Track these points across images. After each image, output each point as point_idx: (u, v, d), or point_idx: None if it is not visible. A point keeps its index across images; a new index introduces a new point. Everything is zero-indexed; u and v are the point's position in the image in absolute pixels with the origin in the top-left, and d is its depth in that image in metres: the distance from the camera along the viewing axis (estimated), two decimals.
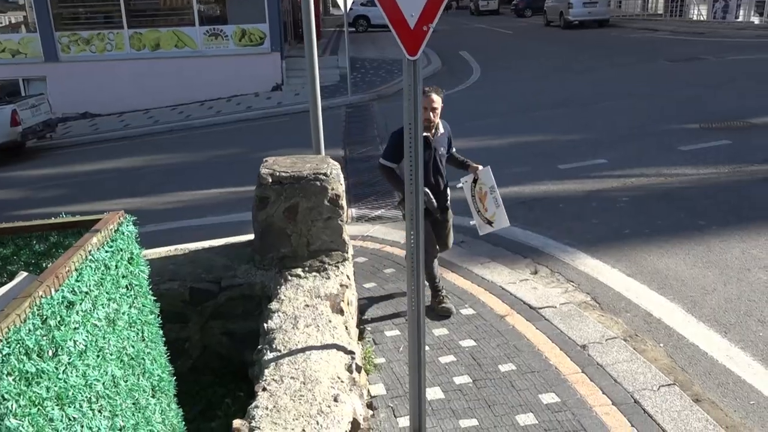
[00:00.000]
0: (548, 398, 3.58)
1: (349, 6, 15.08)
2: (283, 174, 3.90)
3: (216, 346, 4.09)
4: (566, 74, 15.61)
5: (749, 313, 4.36)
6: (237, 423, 2.58)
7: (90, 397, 2.05)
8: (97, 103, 16.62)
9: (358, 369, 3.13)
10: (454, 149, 4.70)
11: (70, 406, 1.92)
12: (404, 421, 3.49)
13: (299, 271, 3.90)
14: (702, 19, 26.51)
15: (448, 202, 4.72)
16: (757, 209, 6.07)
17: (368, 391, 3.74)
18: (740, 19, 24.34)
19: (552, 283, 5.06)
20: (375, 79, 17.13)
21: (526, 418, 3.43)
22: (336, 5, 28.61)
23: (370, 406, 3.61)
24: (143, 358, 2.52)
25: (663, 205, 6.42)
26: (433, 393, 3.71)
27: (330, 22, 34.83)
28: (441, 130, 4.48)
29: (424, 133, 3.85)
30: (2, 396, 1.62)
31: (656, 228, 5.91)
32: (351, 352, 3.13)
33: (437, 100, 4.25)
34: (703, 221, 5.92)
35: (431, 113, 4.21)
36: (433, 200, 4.39)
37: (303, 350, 3.08)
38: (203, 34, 16.91)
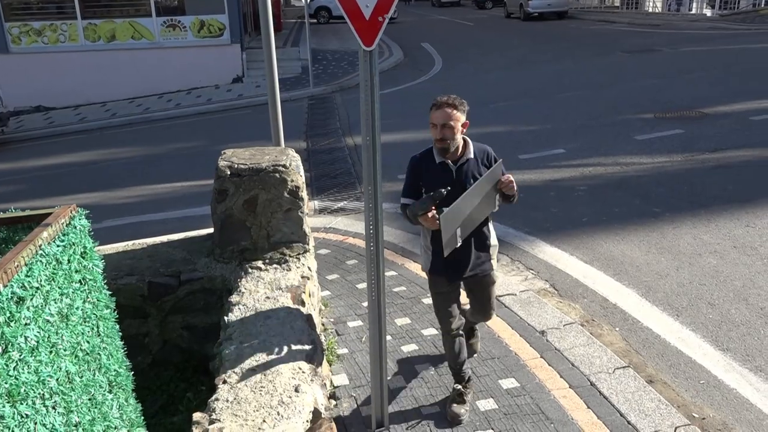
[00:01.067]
0: (508, 383, 3.65)
1: None
2: (242, 166, 3.87)
3: (177, 340, 4.05)
4: (526, 65, 15.81)
5: (700, 297, 4.51)
6: (197, 416, 2.57)
7: (43, 394, 2.02)
8: (51, 96, 16.14)
9: (320, 360, 3.13)
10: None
11: (22, 403, 1.88)
12: (367, 410, 3.52)
13: (260, 263, 3.88)
14: (657, 11, 27.13)
15: (483, 265, 3.40)
16: (707, 197, 6.27)
17: (331, 381, 3.75)
18: (693, 11, 25.01)
19: (512, 272, 5.14)
20: (337, 71, 17.06)
21: (486, 404, 3.49)
22: None
23: (333, 396, 3.63)
24: (99, 354, 2.48)
25: (619, 194, 6.57)
26: (396, 381, 3.74)
27: (291, 14, 34.52)
28: (470, 155, 3.24)
29: (440, 159, 3.22)
30: None
31: (613, 216, 6.05)
32: (312, 343, 3.13)
33: (453, 115, 3.10)
34: (658, 208, 6.08)
35: (444, 130, 3.11)
36: (445, 251, 3.06)
37: (264, 342, 3.08)
38: (160, 25, 16.56)
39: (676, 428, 3.22)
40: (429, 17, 34.49)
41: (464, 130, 3.23)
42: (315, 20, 29.70)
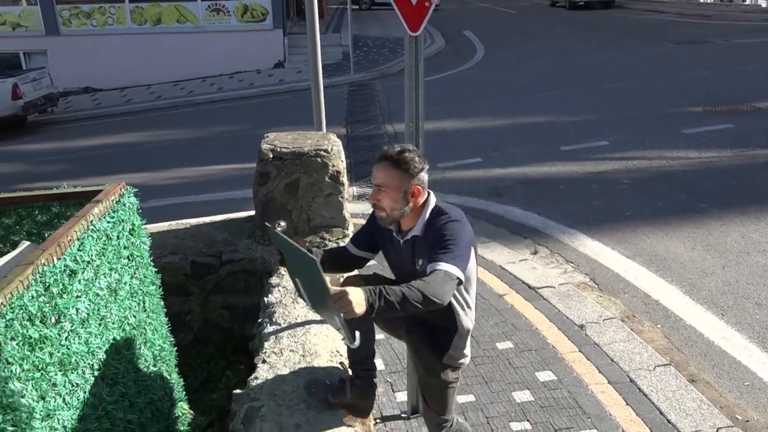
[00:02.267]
0: (545, 376, 3.62)
1: None
2: (284, 150, 3.90)
3: (217, 320, 4.13)
4: (571, 55, 15.50)
5: (747, 296, 4.38)
6: (237, 394, 2.61)
7: (92, 364, 2.08)
8: (98, 77, 16.53)
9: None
10: (437, 265, 2.17)
11: (72, 372, 1.95)
12: (402, 396, 3.54)
13: None
14: (709, 1, 26.25)
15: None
16: (757, 193, 6.06)
17: None
18: (747, 2, 24.10)
19: (551, 264, 5.08)
20: (378, 58, 17.02)
21: (522, 395, 3.47)
22: None
23: None
24: (144, 328, 2.55)
25: (664, 188, 6.41)
26: None
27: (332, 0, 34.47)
28: (417, 232, 2.37)
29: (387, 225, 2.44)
30: (6, 360, 1.64)
31: (657, 210, 5.91)
32: None
33: (391, 176, 2.30)
34: (704, 204, 5.92)
35: (377, 194, 2.35)
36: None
37: (302, 324, 3.11)
38: (205, 9, 16.76)
39: (718, 429, 3.14)
40: (471, 5, 34.06)
41: (417, 200, 2.35)
42: (357, 6, 29.63)
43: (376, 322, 2.56)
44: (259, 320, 3.29)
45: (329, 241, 3.95)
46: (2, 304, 1.67)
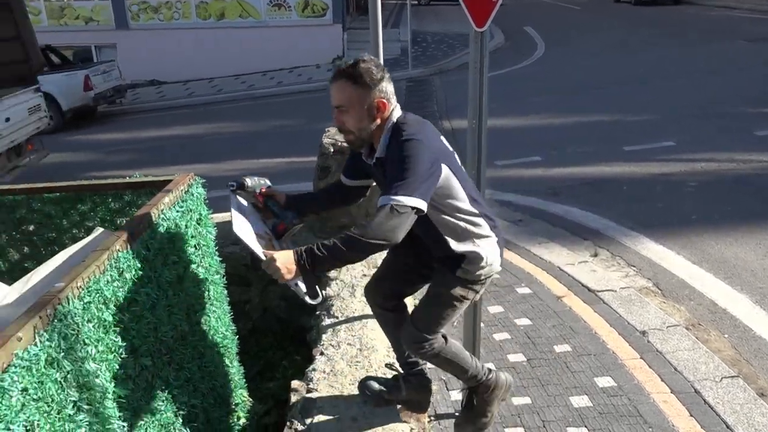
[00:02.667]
0: (604, 382, 3.53)
1: None
2: (345, 144, 3.92)
3: (275, 310, 4.20)
4: (637, 51, 15.03)
5: None
6: (296, 383, 2.65)
7: (160, 349, 2.15)
8: (164, 70, 17.05)
9: None
10: (387, 198, 1.97)
11: (142, 356, 2.02)
12: (456, 395, 3.51)
13: None
14: None
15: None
16: None
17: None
18: None
19: (612, 267, 4.94)
20: (436, 53, 16.93)
21: (580, 400, 3.39)
22: None
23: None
24: (209, 316, 2.61)
25: (734, 192, 6.15)
26: None
27: None
28: (380, 153, 2.19)
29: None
30: (83, 341, 1.71)
31: (725, 215, 5.67)
32: None
33: (348, 92, 2.14)
34: None
35: (338, 116, 2.21)
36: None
37: (360, 318, 3.13)
38: (267, 4, 17.03)
39: None
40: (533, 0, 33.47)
41: (384, 114, 2.15)
42: (416, 1, 29.55)
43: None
44: (317, 312, 3.34)
45: None
46: (80, 287, 1.74)
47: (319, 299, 2.09)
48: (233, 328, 2.93)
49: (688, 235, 5.37)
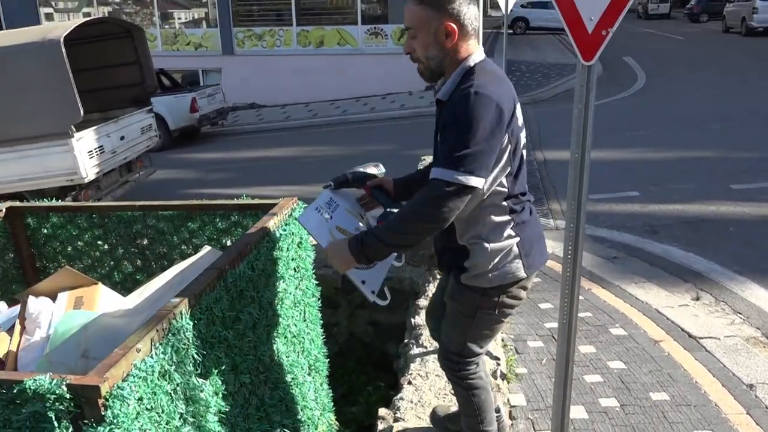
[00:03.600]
0: None
1: (510, 8, 14.87)
2: None
3: (361, 334, 4.25)
4: (743, 86, 14.24)
5: None
6: (383, 411, 2.66)
7: (258, 367, 2.22)
8: (263, 94, 17.84)
9: (503, 376, 3.09)
10: (443, 171, 1.80)
11: (242, 373, 2.09)
12: None
13: None
14: None
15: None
16: None
17: (508, 399, 3.68)
18: None
19: (716, 313, 4.65)
20: (531, 83, 16.76)
21: None
22: (495, 6, 28.31)
23: (509, 415, 3.56)
24: (303, 337, 2.68)
25: None
26: (576, 411, 3.57)
27: (487, 24, 34.54)
28: (442, 95, 1.99)
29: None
30: (193, 356, 1.80)
31: None
32: (497, 358, 3.10)
33: (416, 14, 1.96)
34: None
35: (408, 42, 2.09)
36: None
37: None
38: (364, 32, 17.51)
39: None
40: (634, 30, 32.51)
41: (455, 42, 1.89)
42: (511, 31, 29.46)
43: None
44: (405, 340, 3.34)
45: None
46: (192, 304, 1.84)
47: (387, 301, 2.03)
48: (325, 350, 2.98)
49: None
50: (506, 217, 2.00)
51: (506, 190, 1.96)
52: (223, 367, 1.98)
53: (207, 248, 2.66)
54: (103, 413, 1.43)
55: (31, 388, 1.44)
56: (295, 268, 2.61)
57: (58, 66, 6.57)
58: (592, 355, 4.16)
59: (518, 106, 2.03)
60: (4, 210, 3.16)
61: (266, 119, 16.27)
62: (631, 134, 10.34)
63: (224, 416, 1.96)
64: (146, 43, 8.92)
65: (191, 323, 1.81)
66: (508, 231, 2.00)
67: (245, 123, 16.10)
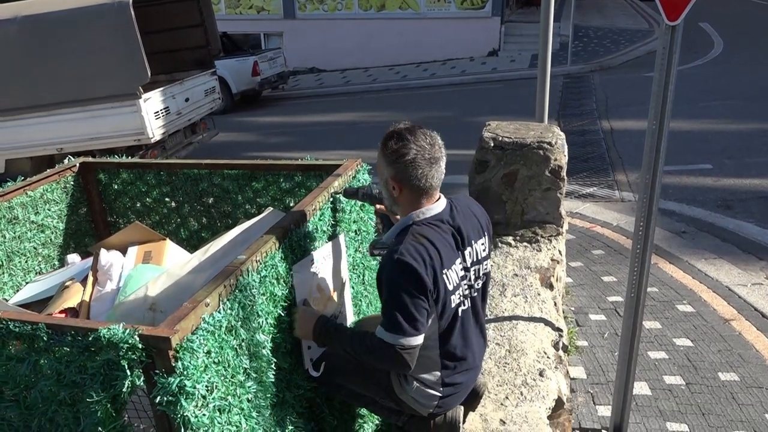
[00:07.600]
0: None
1: None
2: (506, 139, 3.84)
3: None
4: None
5: None
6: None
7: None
8: (323, 59, 17.80)
9: (564, 348, 3.02)
10: (381, 331, 1.85)
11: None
12: (603, 410, 3.33)
13: (510, 239, 3.84)
14: None
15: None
16: None
17: (567, 372, 3.61)
18: None
19: None
20: (598, 49, 16.10)
21: None
22: None
23: (569, 388, 3.49)
24: (360, 300, 2.67)
25: None
26: (638, 387, 3.47)
27: None
28: (386, 236, 2.10)
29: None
30: (257, 312, 1.81)
31: None
32: (558, 329, 3.03)
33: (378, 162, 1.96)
34: None
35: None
36: None
37: (509, 318, 3.05)
38: None
39: None
40: None
41: (401, 198, 1.91)
42: None
43: None
44: None
45: (541, 237, 3.83)
46: (258, 261, 1.85)
47: (318, 374, 2.12)
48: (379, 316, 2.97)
49: None
50: (437, 373, 2.00)
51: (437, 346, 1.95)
52: (284, 325, 1.99)
53: (269, 209, 2.67)
54: (173, 364, 1.45)
55: (106, 336, 1.47)
56: (356, 231, 2.59)
57: (127, 28, 6.69)
58: (657, 331, 4.03)
59: (479, 242, 2.00)
60: (77, 165, 3.25)
61: (326, 84, 16.26)
62: (705, 104, 9.82)
63: (282, 373, 1.98)
64: (211, 5, 8.98)
65: (257, 280, 1.82)
66: (435, 386, 2.02)
67: (305, 87, 16.14)
